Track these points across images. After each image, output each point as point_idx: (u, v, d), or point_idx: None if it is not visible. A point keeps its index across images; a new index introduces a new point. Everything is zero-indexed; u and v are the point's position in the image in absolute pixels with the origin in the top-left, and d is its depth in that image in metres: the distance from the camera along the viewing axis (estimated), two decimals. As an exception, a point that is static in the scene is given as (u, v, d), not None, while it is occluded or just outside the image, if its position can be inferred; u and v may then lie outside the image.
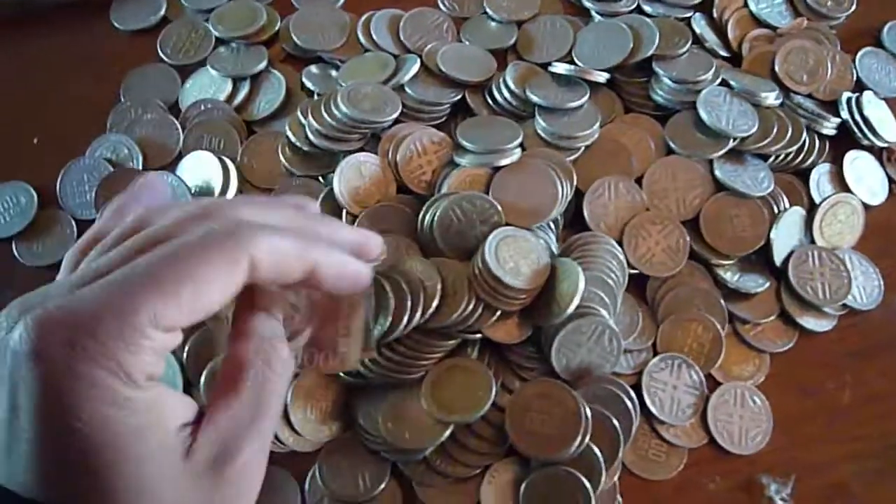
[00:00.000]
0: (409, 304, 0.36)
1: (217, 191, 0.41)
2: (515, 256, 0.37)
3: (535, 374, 0.37)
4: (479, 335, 0.37)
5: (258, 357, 0.23)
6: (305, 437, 0.36)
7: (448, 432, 0.35)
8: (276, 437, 0.36)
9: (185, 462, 0.21)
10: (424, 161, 0.41)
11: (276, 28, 0.47)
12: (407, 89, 0.43)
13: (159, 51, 0.47)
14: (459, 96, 0.44)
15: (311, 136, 0.42)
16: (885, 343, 0.40)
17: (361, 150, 0.41)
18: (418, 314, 0.36)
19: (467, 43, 0.46)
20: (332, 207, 0.40)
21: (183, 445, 0.22)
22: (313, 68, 0.46)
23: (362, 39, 0.46)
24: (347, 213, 0.40)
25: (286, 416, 0.36)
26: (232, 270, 0.21)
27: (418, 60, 0.44)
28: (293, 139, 0.42)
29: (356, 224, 0.39)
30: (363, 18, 0.47)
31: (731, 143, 0.42)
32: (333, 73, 0.45)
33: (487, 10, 0.47)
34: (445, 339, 0.37)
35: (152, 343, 0.20)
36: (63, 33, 0.47)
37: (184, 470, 0.21)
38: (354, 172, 0.40)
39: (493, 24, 0.47)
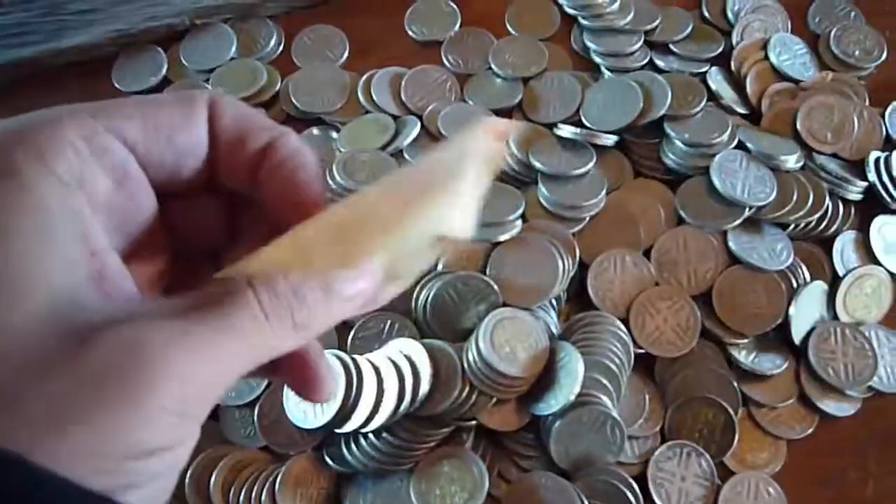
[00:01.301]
0: (398, 389, 0.34)
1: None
2: (512, 340, 0.35)
3: (533, 462, 0.36)
4: (473, 422, 0.36)
5: None
6: (294, 526, 0.35)
7: (439, 528, 0.34)
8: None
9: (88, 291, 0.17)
10: (422, 233, 0.40)
11: (277, 88, 0.46)
12: (406, 155, 0.42)
13: (160, 111, 0.46)
14: (460, 161, 0.42)
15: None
16: (915, 430, 0.38)
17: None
18: (408, 400, 0.34)
19: (471, 102, 0.45)
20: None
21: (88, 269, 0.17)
22: (314, 130, 0.45)
23: (362, 100, 0.45)
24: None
25: (274, 503, 0.35)
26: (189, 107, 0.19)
27: (418, 123, 0.43)
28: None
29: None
30: (364, 78, 0.45)
31: (747, 213, 0.40)
32: (334, 134, 0.44)
33: (492, 66, 0.46)
34: (438, 427, 0.35)
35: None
36: (64, 94, 0.47)
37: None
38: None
39: (498, 81, 0.46)
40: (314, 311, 0.18)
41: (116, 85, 0.48)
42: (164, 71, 0.47)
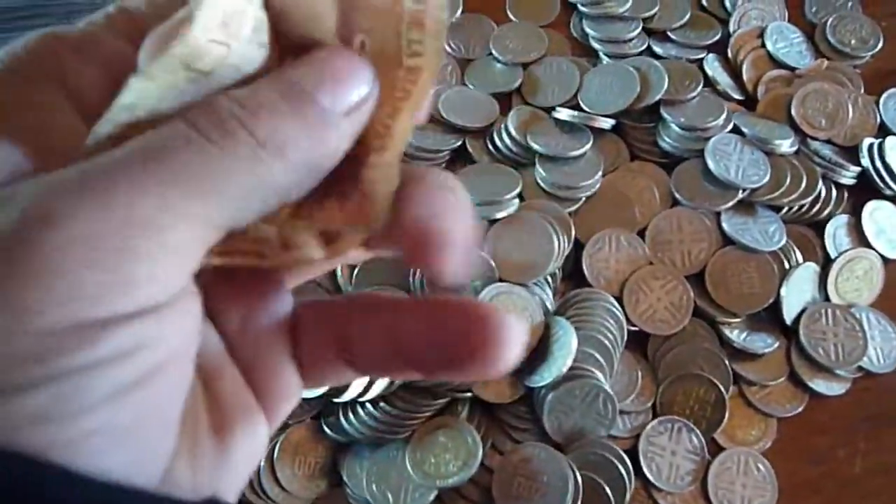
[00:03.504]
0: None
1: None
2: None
3: (527, 434, 0.36)
4: (469, 394, 0.36)
5: None
6: (293, 493, 0.36)
7: (433, 496, 0.35)
8: (265, 493, 0.36)
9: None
10: (420, 211, 0.40)
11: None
12: (406, 136, 0.43)
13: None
14: (460, 142, 0.43)
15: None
16: (903, 409, 0.38)
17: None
18: (407, 372, 0.35)
19: (471, 86, 0.46)
20: (326, 258, 0.39)
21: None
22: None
23: (365, 83, 0.45)
24: (343, 263, 0.39)
25: (273, 472, 0.36)
26: None
27: (419, 106, 0.43)
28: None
29: (353, 279, 0.39)
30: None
31: (741, 195, 0.40)
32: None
33: (493, 51, 0.47)
34: (433, 398, 0.36)
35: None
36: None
37: None
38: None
39: (498, 66, 0.46)
40: (278, 120, 0.14)
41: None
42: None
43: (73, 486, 0.12)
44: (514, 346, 0.16)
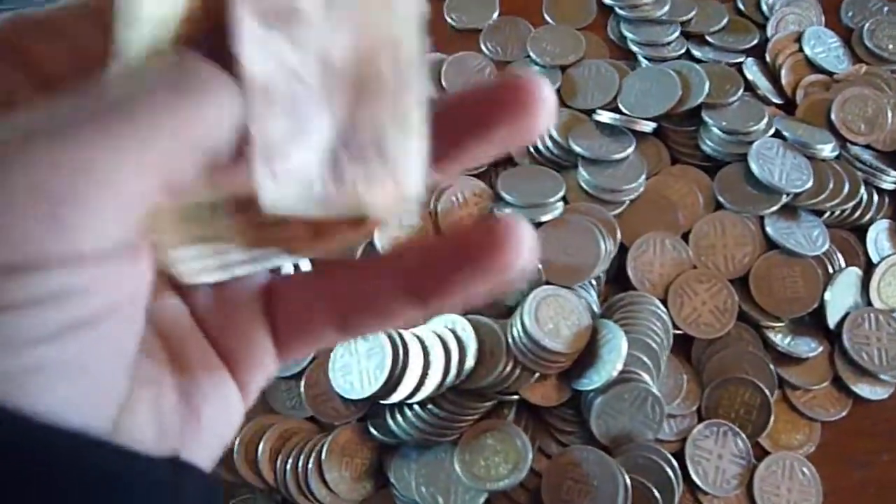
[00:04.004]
0: (444, 362, 0.35)
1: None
2: (556, 317, 0.36)
3: (573, 438, 0.37)
4: (516, 397, 0.36)
5: None
6: (340, 495, 0.36)
7: (483, 499, 0.35)
8: (313, 495, 0.36)
9: None
10: (465, 213, 0.41)
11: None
12: (448, 138, 0.43)
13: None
14: (501, 145, 0.43)
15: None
16: (947, 414, 0.38)
17: (401, 199, 0.41)
18: (453, 374, 0.35)
19: (510, 88, 0.46)
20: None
21: None
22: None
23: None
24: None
25: (321, 473, 0.36)
26: None
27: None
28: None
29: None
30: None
31: (785, 199, 0.40)
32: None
33: (531, 54, 0.47)
34: (481, 401, 0.36)
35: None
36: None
37: None
38: (395, 223, 0.40)
39: (536, 68, 0.46)
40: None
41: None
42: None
43: (5, 423, 0.12)
44: (523, 246, 0.15)
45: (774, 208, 0.40)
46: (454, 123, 0.16)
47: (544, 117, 0.16)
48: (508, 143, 0.16)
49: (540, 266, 0.38)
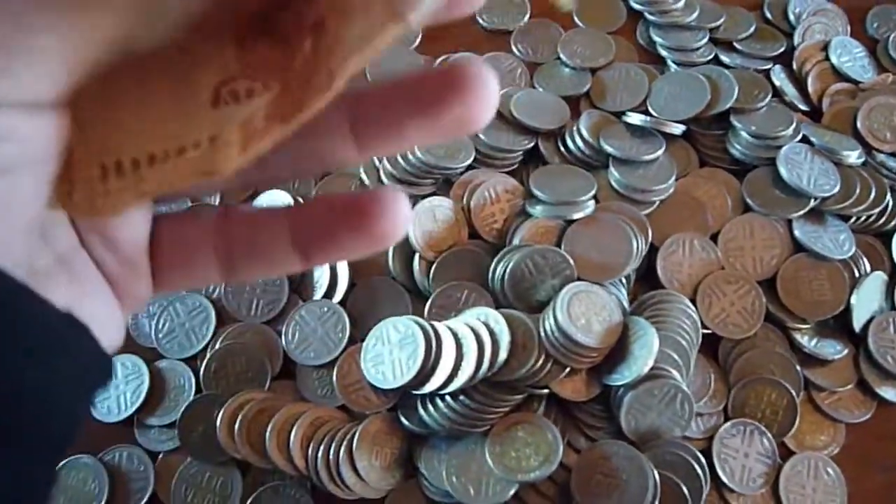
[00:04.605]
0: (477, 354, 0.35)
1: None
2: (588, 313, 0.36)
3: (602, 433, 0.37)
4: (546, 391, 0.37)
5: None
6: (370, 484, 0.36)
7: (514, 490, 0.35)
8: (344, 482, 0.36)
9: None
10: (497, 209, 0.41)
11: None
12: (480, 135, 0.43)
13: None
14: (532, 143, 0.43)
15: (384, 179, 0.42)
16: (971, 419, 0.39)
17: (433, 194, 0.42)
18: (486, 366, 0.35)
19: (541, 89, 0.46)
20: (405, 251, 0.40)
21: None
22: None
23: (436, 82, 0.46)
24: (421, 257, 0.40)
25: (352, 461, 0.36)
26: None
27: (492, 106, 0.44)
28: (367, 181, 0.42)
29: (431, 273, 0.39)
30: (438, 62, 0.47)
31: (812, 203, 0.41)
32: (406, 114, 0.46)
33: (561, 56, 0.47)
34: (512, 393, 0.36)
35: None
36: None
37: None
38: (428, 217, 0.40)
39: (566, 70, 0.47)
40: None
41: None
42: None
43: None
44: (400, 217, 0.16)
45: (802, 212, 0.41)
46: (393, 102, 0.16)
47: (486, 104, 0.16)
48: (449, 129, 0.16)
49: (572, 262, 0.38)
